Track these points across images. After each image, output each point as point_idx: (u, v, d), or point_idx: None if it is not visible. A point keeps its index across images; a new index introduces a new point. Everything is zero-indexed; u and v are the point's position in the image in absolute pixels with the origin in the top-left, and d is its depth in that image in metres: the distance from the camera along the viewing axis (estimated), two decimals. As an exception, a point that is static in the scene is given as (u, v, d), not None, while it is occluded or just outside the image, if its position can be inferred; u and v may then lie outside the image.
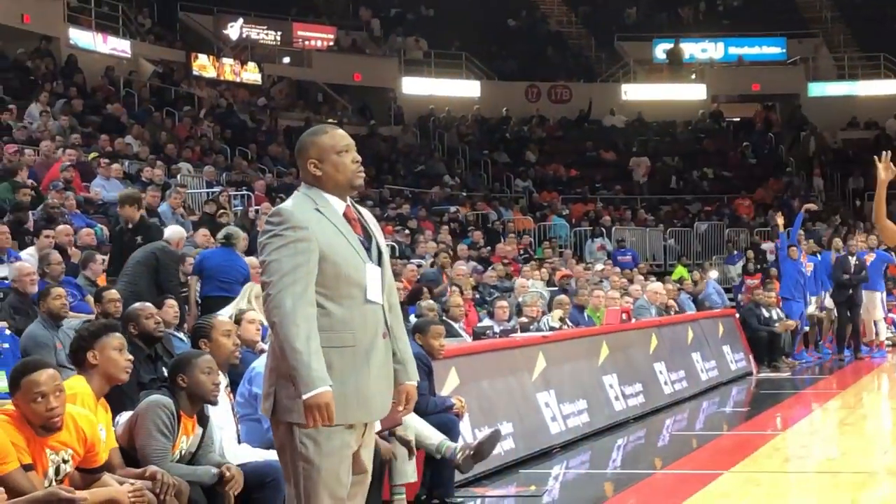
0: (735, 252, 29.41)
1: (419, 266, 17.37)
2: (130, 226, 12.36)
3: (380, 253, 4.89)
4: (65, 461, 5.27)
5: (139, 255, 11.59)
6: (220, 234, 13.23)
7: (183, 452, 6.12)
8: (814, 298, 20.96)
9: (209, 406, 6.27)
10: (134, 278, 11.24)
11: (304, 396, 4.52)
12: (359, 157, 4.87)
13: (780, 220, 21.90)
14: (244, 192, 22.19)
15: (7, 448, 4.97)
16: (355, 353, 4.71)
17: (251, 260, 12.93)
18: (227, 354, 6.73)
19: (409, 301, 13.76)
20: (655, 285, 18.73)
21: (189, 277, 12.78)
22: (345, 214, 4.83)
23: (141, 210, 12.71)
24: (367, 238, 4.86)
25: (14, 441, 5.04)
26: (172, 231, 12.61)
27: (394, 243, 21.09)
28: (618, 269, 21.76)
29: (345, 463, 4.68)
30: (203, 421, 6.26)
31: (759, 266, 24.78)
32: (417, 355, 8.32)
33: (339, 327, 4.69)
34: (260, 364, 6.91)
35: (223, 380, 6.59)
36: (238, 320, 8.23)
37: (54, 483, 5.19)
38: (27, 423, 5.15)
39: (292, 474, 4.67)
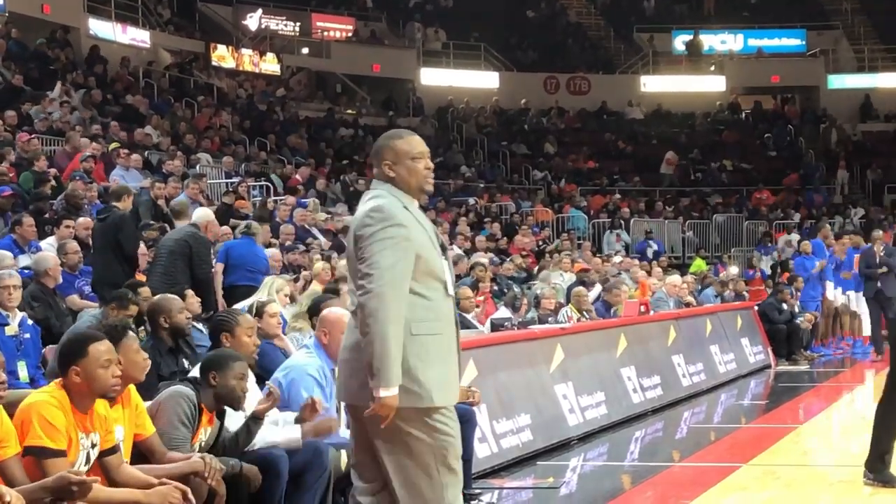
0: (770, 244, 29.14)
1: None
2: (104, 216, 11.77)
3: (443, 247, 5.20)
4: (94, 445, 5.33)
5: (170, 243, 11.46)
6: (240, 226, 13.45)
7: (202, 444, 6.15)
8: (851, 293, 20.67)
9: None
10: (169, 268, 11.15)
11: (384, 393, 4.81)
12: (431, 165, 5.18)
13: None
14: (263, 183, 22.26)
15: (10, 432, 5.00)
16: (445, 342, 5.04)
17: (272, 252, 13.09)
18: (249, 353, 6.74)
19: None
20: (673, 278, 18.69)
21: (215, 265, 12.96)
22: None
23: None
24: (434, 234, 5.17)
25: (58, 424, 5.11)
26: (200, 214, 12.43)
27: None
28: (636, 262, 21.71)
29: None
30: (221, 415, 6.28)
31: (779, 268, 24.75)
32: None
33: (433, 317, 4.99)
34: (298, 364, 6.95)
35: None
36: (259, 313, 8.24)
37: (83, 470, 5.23)
38: (71, 402, 5.22)
39: (419, 452, 4.93)
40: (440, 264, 5.09)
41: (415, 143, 5.15)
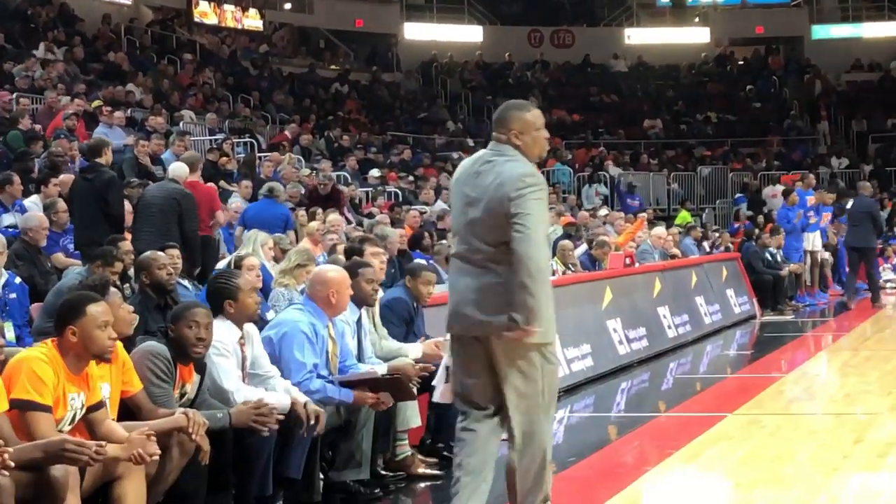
0: (739, 195, 29.33)
1: (422, 213, 17.37)
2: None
3: None
4: (82, 406, 5.35)
5: (159, 201, 11.37)
6: (264, 188, 14.19)
7: (183, 399, 6.16)
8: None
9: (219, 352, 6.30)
10: (161, 227, 11.07)
11: (535, 328, 5.59)
12: (548, 135, 5.95)
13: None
14: (247, 140, 22.19)
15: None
16: (550, 287, 5.74)
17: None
18: (252, 314, 6.72)
19: (411, 246, 13.82)
20: (659, 230, 18.72)
21: (235, 227, 13.70)
22: None
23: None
24: None
25: (47, 379, 5.13)
26: (177, 169, 12.34)
27: (397, 189, 21.09)
28: (621, 214, 21.74)
29: None
30: (200, 368, 6.28)
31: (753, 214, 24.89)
32: (397, 299, 8.41)
33: (545, 266, 5.72)
34: (289, 319, 6.98)
35: (237, 333, 6.58)
36: (237, 266, 8.24)
37: (67, 429, 5.24)
38: (64, 362, 5.25)
39: (537, 378, 5.73)
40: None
41: (539, 116, 5.89)
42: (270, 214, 13.47)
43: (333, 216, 14.17)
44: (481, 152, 5.95)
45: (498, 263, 5.66)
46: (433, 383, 6.22)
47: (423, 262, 11.23)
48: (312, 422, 6.41)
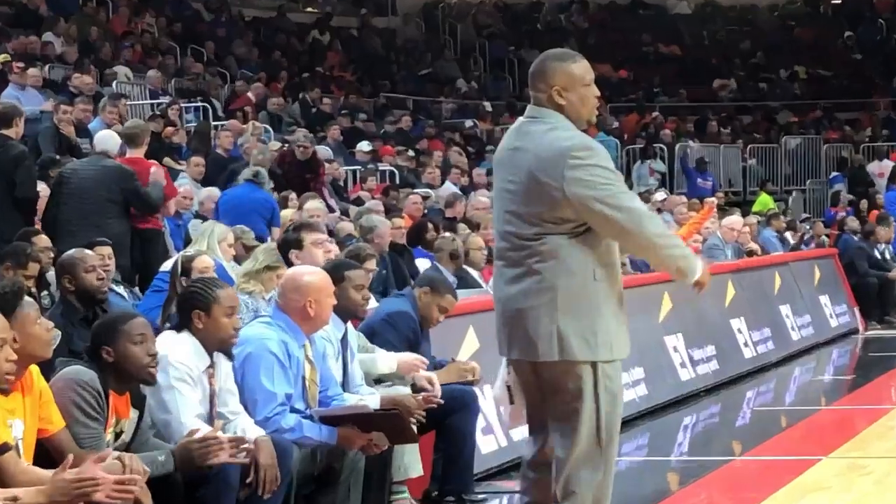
0: (836, 174, 29.33)
1: (425, 198, 17.37)
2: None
3: None
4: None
5: (90, 184, 11.31)
6: (247, 172, 14.30)
7: (118, 440, 6.13)
8: None
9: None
10: (96, 219, 11.03)
11: (696, 278, 5.84)
12: (598, 92, 6.02)
13: None
14: (199, 104, 22.19)
15: None
16: (618, 289, 5.89)
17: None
18: (226, 338, 6.66)
19: (411, 240, 13.78)
20: (732, 219, 18.69)
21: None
22: None
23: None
24: None
25: None
26: (105, 140, 12.30)
27: (393, 168, 21.09)
28: (684, 198, 21.71)
29: None
30: (138, 402, 6.24)
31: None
32: (402, 314, 8.39)
33: (612, 262, 5.88)
34: (254, 336, 7.00)
35: (206, 360, 6.57)
36: (186, 271, 8.28)
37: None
38: None
39: (588, 410, 5.76)
40: None
41: (587, 69, 6.00)
42: (253, 201, 13.53)
43: (312, 203, 14.13)
44: (518, 121, 6.01)
45: (540, 260, 5.79)
46: (493, 394, 6.51)
47: (432, 267, 11.26)
48: (249, 479, 6.33)
